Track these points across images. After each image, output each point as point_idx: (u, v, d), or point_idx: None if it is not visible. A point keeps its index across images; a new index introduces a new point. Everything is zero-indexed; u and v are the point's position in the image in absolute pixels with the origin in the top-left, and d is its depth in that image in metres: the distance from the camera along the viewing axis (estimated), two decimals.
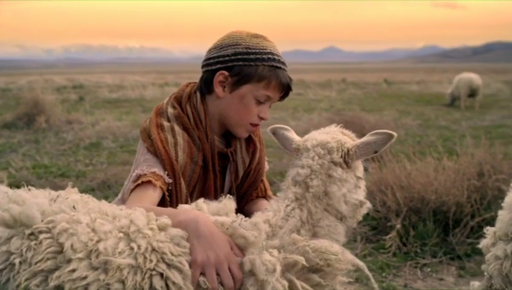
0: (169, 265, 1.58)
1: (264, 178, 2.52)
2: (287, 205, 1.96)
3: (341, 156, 2.00)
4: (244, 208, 2.37)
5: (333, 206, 1.96)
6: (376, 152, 2.03)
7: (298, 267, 1.81)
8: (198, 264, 1.64)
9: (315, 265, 1.84)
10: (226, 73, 2.17)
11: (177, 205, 2.03)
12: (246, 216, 1.88)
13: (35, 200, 1.63)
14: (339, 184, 1.97)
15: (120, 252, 1.53)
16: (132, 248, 1.56)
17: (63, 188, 1.85)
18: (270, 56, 2.18)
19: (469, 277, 4.25)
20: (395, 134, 2.00)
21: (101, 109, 17.88)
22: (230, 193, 2.32)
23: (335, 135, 2.07)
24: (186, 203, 2.05)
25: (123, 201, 2.25)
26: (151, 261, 1.55)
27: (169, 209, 1.87)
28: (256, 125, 2.27)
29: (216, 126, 2.28)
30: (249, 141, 2.37)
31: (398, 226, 4.75)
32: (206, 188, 2.24)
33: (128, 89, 26.31)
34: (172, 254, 1.59)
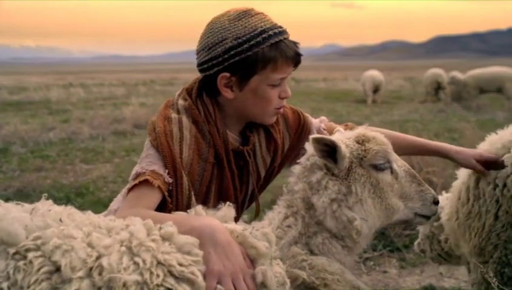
0: (177, 278, 1.42)
1: None
2: (279, 212, 1.86)
3: (321, 157, 1.88)
4: None
5: (319, 219, 1.85)
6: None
7: (297, 283, 1.73)
8: (214, 273, 1.50)
9: (311, 283, 1.75)
10: (227, 74, 1.98)
11: (177, 206, 1.88)
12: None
13: (13, 215, 1.43)
14: (321, 192, 1.85)
15: (124, 268, 1.36)
16: (136, 263, 1.39)
17: None
18: (264, 36, 1.95)
19: (411, 268, 4.37)
20: None
21: (3, 112, 16.86)
22: (253, 195, 2.18)
23: (342, 136, 1.97)
24: (189, 203, 1.89)
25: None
26: (158, 276, 1.39)
27: (176, 215, 1.70)
28: (281, 107, 2.10)
29: (234, 123, 2.10)
30: (270, 138, 2.19)
31: None
32: (223, 187, 2.05)
33: (30, 91, 24.99)
34: (182, 265, 1.44)
